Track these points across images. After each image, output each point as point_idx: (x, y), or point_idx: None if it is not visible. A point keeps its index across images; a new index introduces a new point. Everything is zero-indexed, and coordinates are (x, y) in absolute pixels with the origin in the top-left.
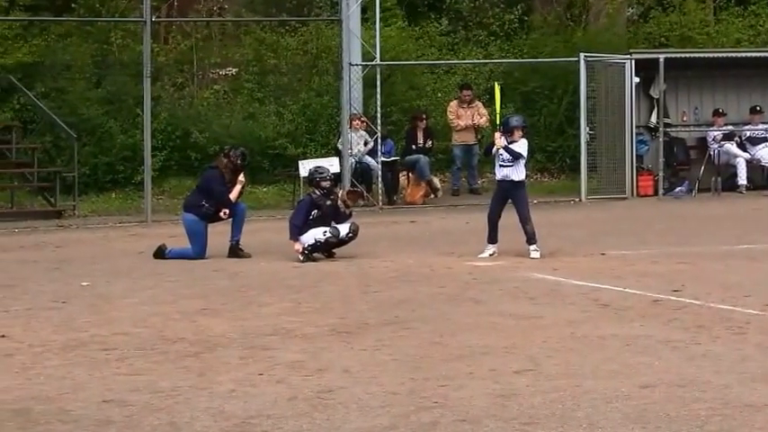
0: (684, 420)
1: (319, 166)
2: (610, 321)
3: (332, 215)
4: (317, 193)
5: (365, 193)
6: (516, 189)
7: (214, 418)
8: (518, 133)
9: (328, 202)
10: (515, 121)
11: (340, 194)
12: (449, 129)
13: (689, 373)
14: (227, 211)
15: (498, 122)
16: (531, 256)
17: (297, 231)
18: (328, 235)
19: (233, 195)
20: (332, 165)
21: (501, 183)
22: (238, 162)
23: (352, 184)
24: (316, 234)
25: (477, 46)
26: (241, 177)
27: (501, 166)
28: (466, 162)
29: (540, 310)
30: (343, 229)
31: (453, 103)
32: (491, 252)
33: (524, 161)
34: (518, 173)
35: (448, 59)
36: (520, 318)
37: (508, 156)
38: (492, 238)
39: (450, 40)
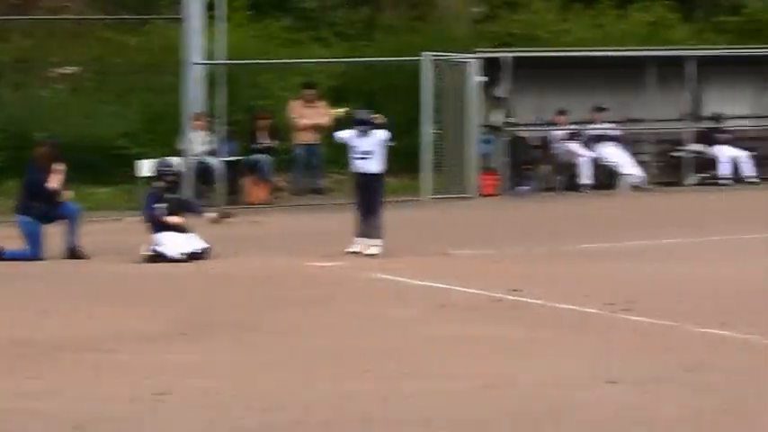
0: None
1: (164, 160)
2: (451, 321)
3: (176, 207)
4: (161, 185)
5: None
6: (374, 181)
7: (46, 422)
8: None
9: (172, 195)
10: (365, 114)
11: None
12: (292, 128)
13: (528, 373)
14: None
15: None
16: (369, 251)
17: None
18: (160, 251)
19: (55, 183)
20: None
21: (360, 176)
22: (50, 150)
23: (195, 186)
24: (166, 241)
25: (323, 45)
26: (59, 166)
27: (358, 159)
28: (309, 162)
29: (383, 310)
30: (199, 243)
31: (296, 103)
32: (359, 247)
33: (385, 152)
34: (377, 164)
35: (292, 59)
36: (362, 318)
37: (365, 147)
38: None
39: (294, 39)
